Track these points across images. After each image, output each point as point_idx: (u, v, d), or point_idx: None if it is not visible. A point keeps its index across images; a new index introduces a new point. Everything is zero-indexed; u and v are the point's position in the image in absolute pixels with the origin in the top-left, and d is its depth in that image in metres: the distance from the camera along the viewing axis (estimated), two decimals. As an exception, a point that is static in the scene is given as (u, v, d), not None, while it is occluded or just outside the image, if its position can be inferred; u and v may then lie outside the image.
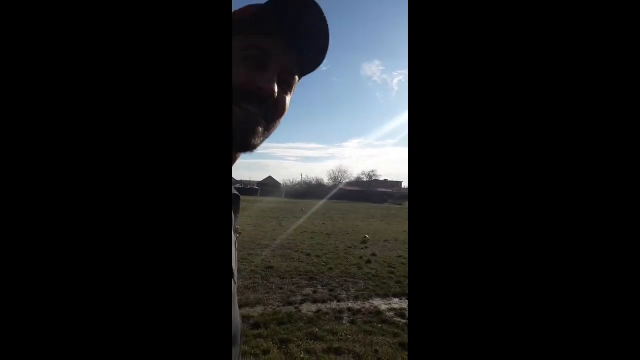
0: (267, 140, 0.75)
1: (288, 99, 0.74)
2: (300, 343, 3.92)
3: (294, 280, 6.54)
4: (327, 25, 0.70)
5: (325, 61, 0.77)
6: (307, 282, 6.47)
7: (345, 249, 9.88)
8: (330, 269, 7.52)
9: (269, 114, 0.70)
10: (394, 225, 17.85)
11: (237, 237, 0.78)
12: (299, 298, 5.54)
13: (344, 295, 5.77)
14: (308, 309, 5.08)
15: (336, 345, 3.89)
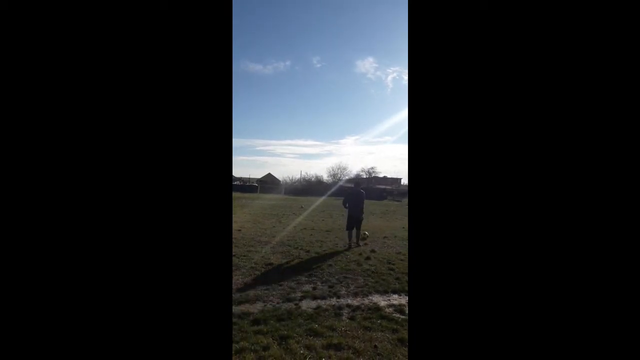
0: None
1: None
2: (300, 339, 3.95)
3: (293, 276, 6.56)
4: None
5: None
6: (306, 278, 6.49)
7: (345, 246, 9.91)
8: (330, 265, 7.54)
9: None
10: (393, 222, 17.87)
11: None
12: (299, 294, 5.56)
13: (343, 292, 5.79)
14: (307, 305, 5.10)
15: (335, 341, 3.92)
